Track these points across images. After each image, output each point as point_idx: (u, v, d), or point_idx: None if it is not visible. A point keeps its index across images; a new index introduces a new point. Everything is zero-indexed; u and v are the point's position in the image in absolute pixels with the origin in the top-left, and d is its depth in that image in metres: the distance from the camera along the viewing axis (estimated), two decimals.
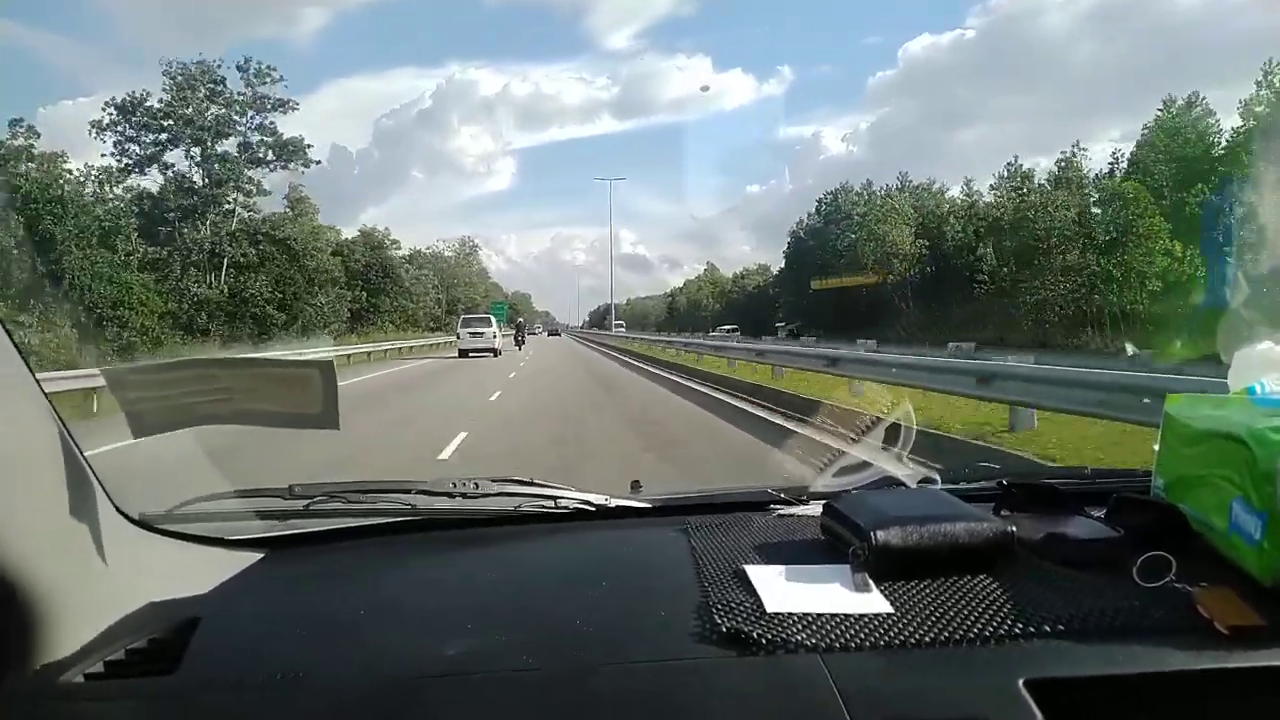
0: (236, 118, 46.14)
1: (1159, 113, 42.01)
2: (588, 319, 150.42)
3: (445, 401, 15.19)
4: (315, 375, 1.10)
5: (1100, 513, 1.13)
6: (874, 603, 0.92)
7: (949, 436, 7.92)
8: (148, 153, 43.29)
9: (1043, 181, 48.13)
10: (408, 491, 1.29)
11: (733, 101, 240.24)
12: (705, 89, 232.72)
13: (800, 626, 0.87)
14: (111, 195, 40.56)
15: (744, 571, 1.01)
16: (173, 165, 44.24)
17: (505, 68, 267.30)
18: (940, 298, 51.80)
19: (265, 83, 46.11)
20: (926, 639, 0.85)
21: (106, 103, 42.26)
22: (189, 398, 1.07)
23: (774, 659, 0.83)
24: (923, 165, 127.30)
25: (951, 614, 0.88)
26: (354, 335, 48.32)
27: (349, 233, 62.50)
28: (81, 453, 0.94)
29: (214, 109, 44.56)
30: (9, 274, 29.30)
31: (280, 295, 44.47)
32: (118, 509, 1.02)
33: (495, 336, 35.64)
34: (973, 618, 0.88)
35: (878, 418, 1.47)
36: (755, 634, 0.85)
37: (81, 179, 38.13)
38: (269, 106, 47.16)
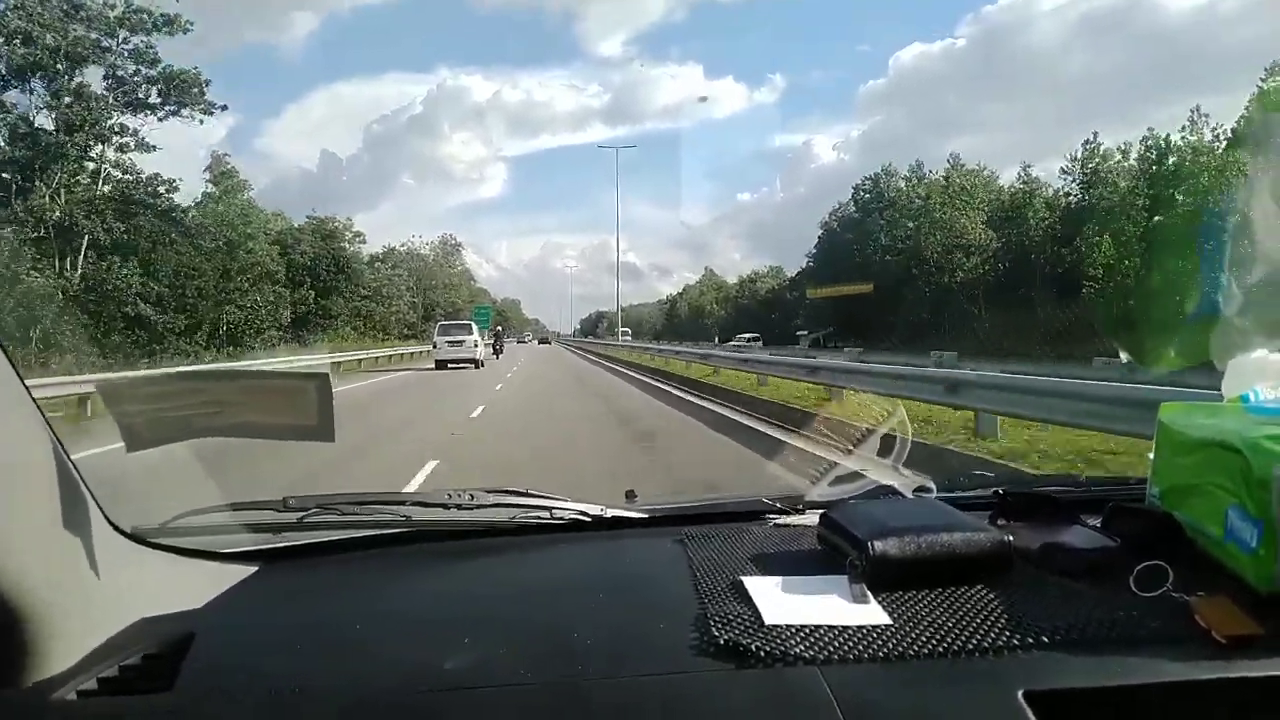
0: (102, 39, 30.83)
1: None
2: (579, 327, 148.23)
3: (414, 424, 12.54)
4: (310, 387, 1.10)
5: (1096, 521, 1.13)
6: (872, 614, 0.91)
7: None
8: None
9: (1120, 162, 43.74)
10: (402, 503, 1.29)
11: (724, 109, 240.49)
12: (703, 99, 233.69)
13: (798, 638, 0.86)
14: None
15: (741, 583, 1.01)
16: (8, 104, 29.90)
17: (496, 74, 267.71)
18: (1023, 299, 41.89)
19: None
20: (925, 651, 0.84)
21: None
22: (183, 411, 1.07)
23: (773, 671, 0.82)
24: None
25: (949, 625, 0.88)
26: (296, 344, 41.72)
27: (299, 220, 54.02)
28: (75, 466, 0.93)
29: (72, 27, 29.71)
30: None
31: (170, 290, 33.56)
32: (111, 523, 1.01)
33: (477, 345, 31.80)
34: (971, 629, 0.87)
35: (872, 427, 1.48)
36: (754, 646, 0.85)
37: None
38: (150, 25, 31.21)
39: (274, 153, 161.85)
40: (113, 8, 30.92)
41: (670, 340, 63.77)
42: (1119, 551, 1.01)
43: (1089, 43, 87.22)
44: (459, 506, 1.29)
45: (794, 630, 0.88)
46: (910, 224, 54.02)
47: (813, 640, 0.86)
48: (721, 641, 0.86)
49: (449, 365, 30.40)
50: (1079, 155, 46.76)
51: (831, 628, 0.88)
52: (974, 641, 0.85)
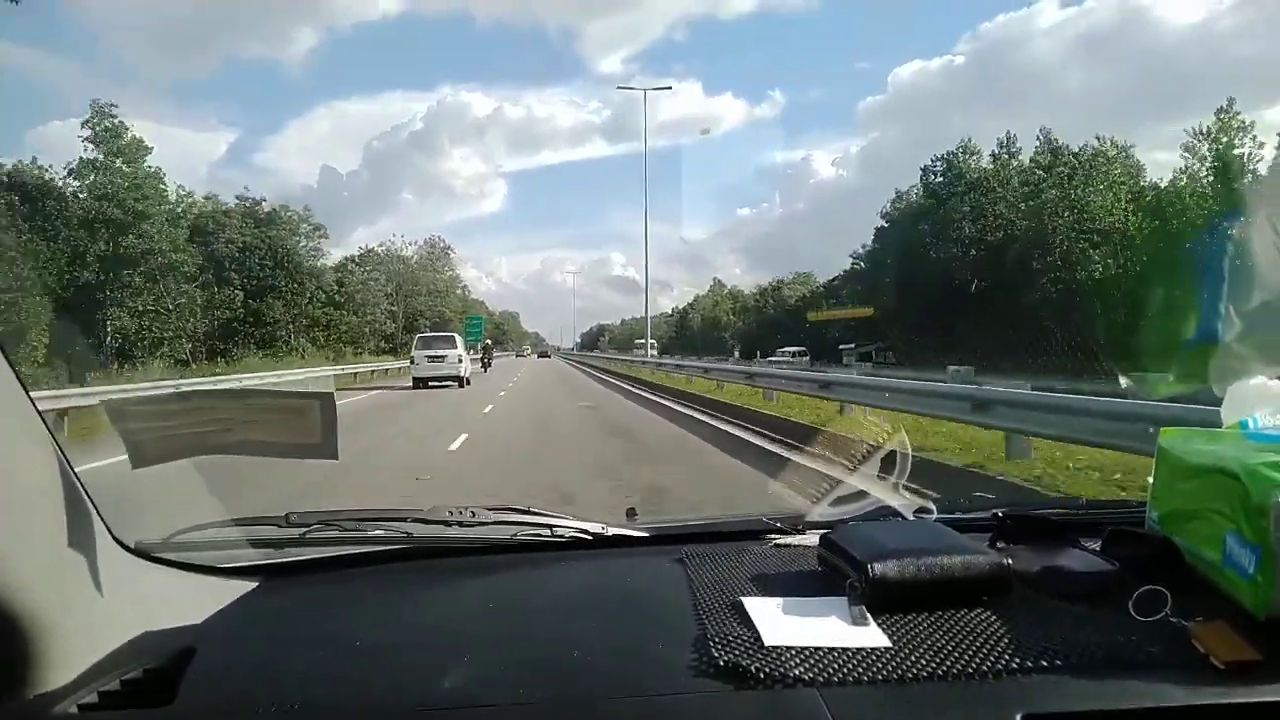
0: None
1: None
2: (579, 340, 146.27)
3: (370, 463, 9.08)
4: (314, 406, 1.11)
5: (1095, 544, 1.14)
6: (871, 636, 0.92)
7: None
8: None
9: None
10: (404, 520, 1.29)
11: (724, 126, 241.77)
12: (705, 132, 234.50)
13: (798, 660, 0.87)
14: None
15: (741, 603, 1.01)
16: None
17: (497, 91, 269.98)
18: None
19: None
20: (924, 674, 0.85)
21: None
22: (189, 428, 1.08)
23: (772, 693, 0.83)
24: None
25: (949, 648, 0.89)
26: (219, 360, 33.72)
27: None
28: (79, 480, 0.93)
29: None
30: None
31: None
32: (114, 537, 1.02)
33: (461, 361, 27.62)
34: (970, 652, 0.88)
35: (873, 446, 1.48)
36: (753, 667, 0.85)
37: None
38: None
39: (275, 169, 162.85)
40: None
41: (682, 355, 57.91)
42: (1118, 575, 1.02)
43: (1087, 60, 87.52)
44: (460, 523, 1.29)
45: (793, 652, 0.88)
46: (1013, 207, 43.36)
47: (812, 662, 0.86)
48: (721, 662, 0.87)
49: (429, 384, 26.65)
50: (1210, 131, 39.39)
51: (831, 650, 0.89)
52: (973, 664, 0.85)
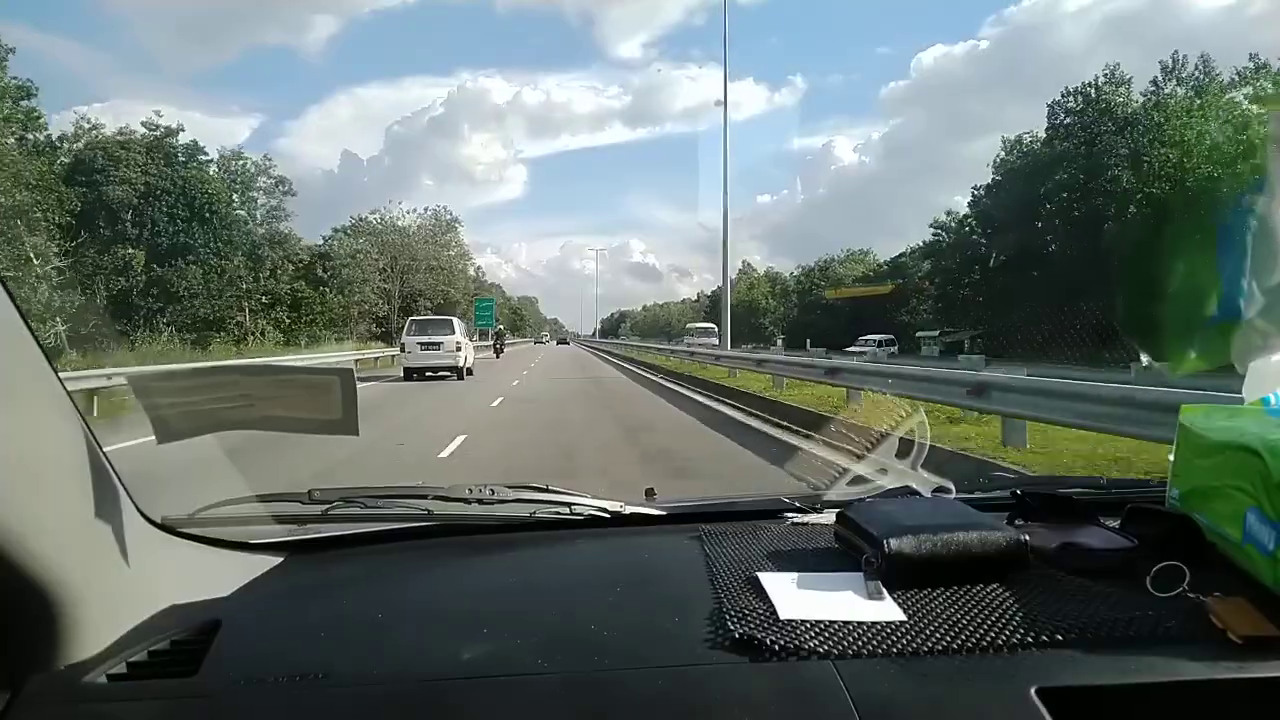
0: None
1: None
2: (599, 327, 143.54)
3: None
4: (335, 382, 1.12)
5: (1115, 523, 1.13)
6: (887, 610, 0.92)
7: None
8: None
9: None
10: (424, 497, 1.30)
11: (744, 112, 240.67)
12: (719, 103, 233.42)
13: (813, 633, 0.87)
14: None
15: (757, 578, 1.02)
16: None
17: (516, 76, 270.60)
18: None
19: None
20: (939, 647, 0.85)
21: None
22: (213, 403, 1.09)
23: (787, 665, 0.83)
24: (935, 175, 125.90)
25: (964, 622, 0.89)
26: (89, 348, 23.62)
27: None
28: (105, 456, 0.95)
29: None
30: None
31: None
32: (141, 512, 1.04)
33: (460, 348, 23.36)
34: (985, 626, 0.88)
35: (889, 429, 1.48)
36: (768, 640, 0.86)
37: None
38: None
39: (296, 154, 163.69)
40: None
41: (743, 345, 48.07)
42: (1136, 552, 1.01)
43: (1113, 44, 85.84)
44: (480, 501, 1.30)
45: (808, 625, 0.89)
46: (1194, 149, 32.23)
47: (827, 635, 0.87)
48: (736, 635, 0.87)
49: (425, 375, 22.99)
50: None
51: (846, 623, 0.89)
52: (988, 638, 0.86)
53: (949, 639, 0.86)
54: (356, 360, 28.52)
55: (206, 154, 41.22)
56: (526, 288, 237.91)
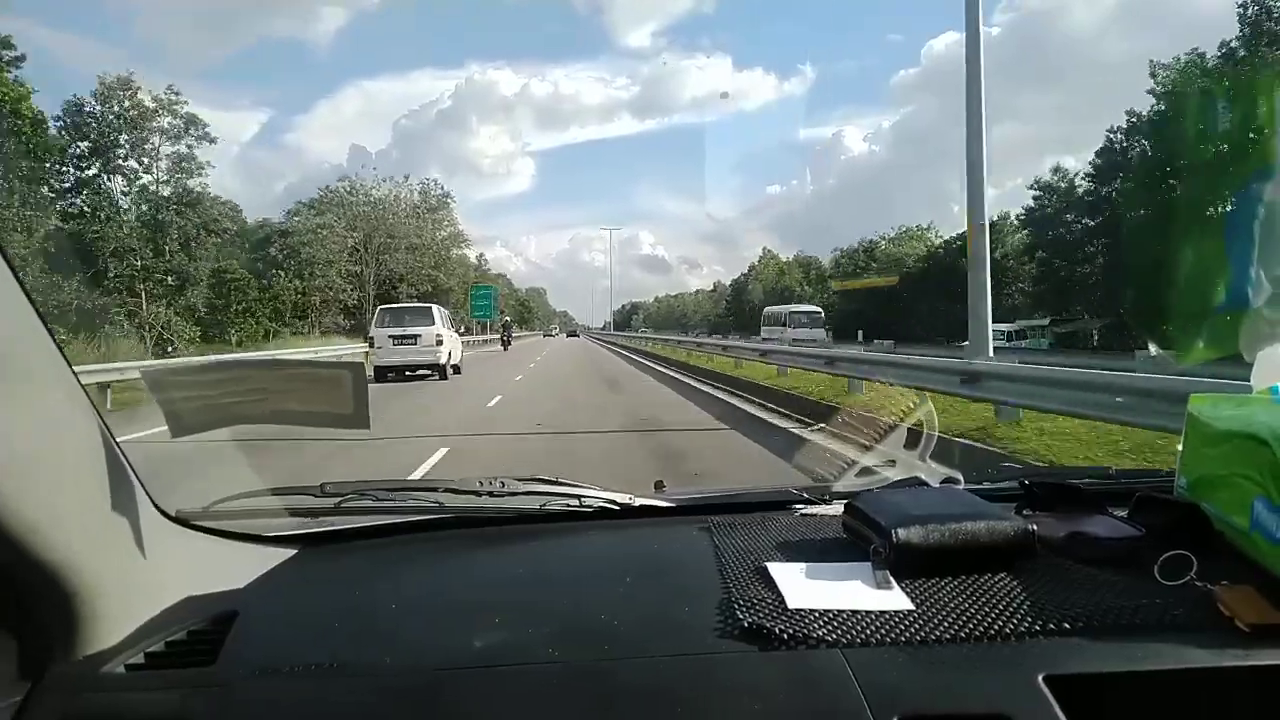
0: None
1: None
2: (611, 319, 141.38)
3: None
4: (346, 376, 1.13)
5: (1123, 512, 1.13)
6: (895, 600, 0.93)
7: None
8: None
9: None
10: (435, 490, 1.31)
11: (753, 101, 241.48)
12: (725, 95, 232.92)
13: (821, 622, 0.88)
14: None
15: (766, 569, 1.02)
16: None
17: (524, 67, 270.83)
18: None
19: None
20: (947, 635, 0.86)
21: None
22: (227, 398, 1.10)
23: (795, 654, 0.84)
24: (946, 163, 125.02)
25: (972, 611, 0.89)
26: None
27: None
28: (121, 449, 0.96)
29: None
30: None
31: None
32: (156, 506, 1.05)
33: (441, 342, 19.45)
34: (993, 615, 0.88)
35: (898, 420, 1.48)
36: (777, 629, 0.86)
37: None
38: None
39: (304, 147, 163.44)
40: None
41: (732, 335, 46.19)
42: (1144, 541, 1.02)
43: (1125, 29, 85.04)
44: (490, 494, 1.31)
45: (817, 614, 0.90)
46: None
47: (835, 624, 0.87)
48: (745, 624, 0.88)
49: (401, 375, 19.41)
50: None
51: (854, 612, 0.90)
52: (995, 626, 0.86)
53: (957, 627, 0.87)
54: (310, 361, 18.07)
55: (14, 49, 26.69)
56: (535, 281, 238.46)
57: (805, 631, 0.86)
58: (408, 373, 19.65)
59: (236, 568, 1.12)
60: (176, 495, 1.15)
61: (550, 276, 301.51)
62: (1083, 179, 43.52)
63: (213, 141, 36.37)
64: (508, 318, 49.35)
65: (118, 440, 0.96)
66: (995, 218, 48.14)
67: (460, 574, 1.16)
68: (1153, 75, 36.73)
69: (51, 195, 29.44)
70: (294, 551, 1.22)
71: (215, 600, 1.03)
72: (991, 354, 10.15)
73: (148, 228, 32.38)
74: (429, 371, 19.67)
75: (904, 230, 69.00)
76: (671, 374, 21.26)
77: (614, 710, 0.80)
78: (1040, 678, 0.78)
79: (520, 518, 1.31)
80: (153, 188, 33.74)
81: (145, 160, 34.05)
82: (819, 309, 50.68)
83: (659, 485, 1.50)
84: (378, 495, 1.29)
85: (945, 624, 0.87)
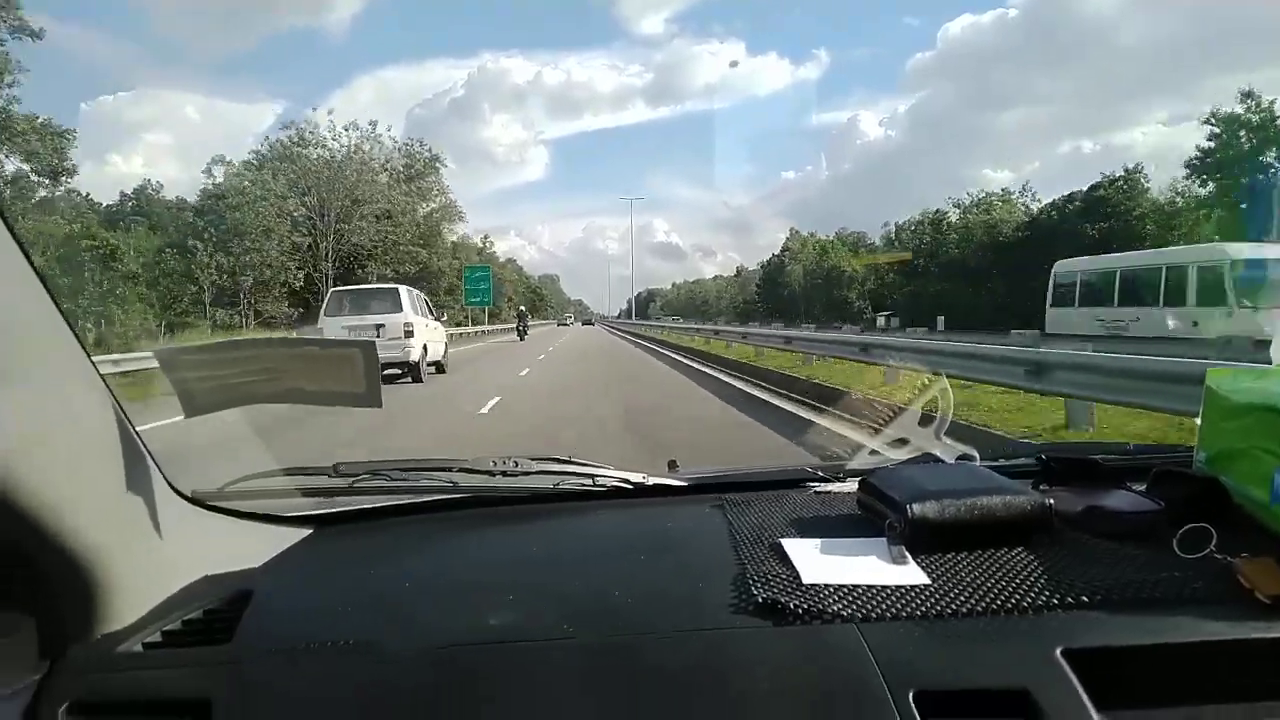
0: None
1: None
2: (628, 306, 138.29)
3: None
4: (357, 354, 1.13)
5: (1141, 487, 1.12)
6: (910, 574, 0.92)
7: None
8: None
9: None
10: (449, 469, 1.31)
11: (767, 87, 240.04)
12: (734, 64, 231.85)
13: (836, 597, 0.87)
14: None
15: (780, 545, 1.02)
16: None
17: (537, 56, 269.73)
18: None
19: None
20: (963, 610, 0.85)
21: None
22: (239, 377, 1.11)
23: (810, 629, 0.84)
24: (963, 148, 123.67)
25: (988, 585, 0.89)
26: None
27: None
28: (136, 432, 0.97)
29: None
30: None
31: None
32: (172, 486, 1.05)
33: (413, 334, 15.36)
34: (1010, 589, 0.88)
35: (913, 398, 1.47)
36: (792, 604, 0.86)
37: None
38: None
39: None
40: None
41: (775, 324, 31.13)
42: (1162, 515, 1.01)
43: (1149, 8, 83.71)
44: (504, 473, 1.31)
45: (832, 589, 0.89)
46: None
47: (851, 599, 0.87)
48: (760, 600, 0.88)
49: None
50: None
51: (870, 587, 0.89)
52: (1012, 600, 0.85)
53: (973, 601, 0.86)
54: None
55: None
56: (549, 269, 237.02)
57: (821, 606, 0.86)
58: None
59: (251, 548, 1.12)
60: (191, 477, 1.16)
61: (564, 265, 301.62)
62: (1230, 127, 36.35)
63: (39, 38, 26.08)
64: (523, 307, 46.66)
65: (134, 424, 0.97)
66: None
67: (474, 553, 1.17)
68: None
69: None
70: (308, 531, 1.23)
71: (231, 580, 1.03)
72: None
73: None
74: (398, 372, 14.88)
75: (985, 195, 57.31)
76: (729, 380, 14.41)
77: (630, 686, 0.80)
78: (1059, 651, 0.77)
79: (534, 497, 1.31)
80: None
81: None
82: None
83: (672, 465, 1.49)
84: (391, 475, 1.29)
85: (962, 598, 0.87)
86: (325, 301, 16.31)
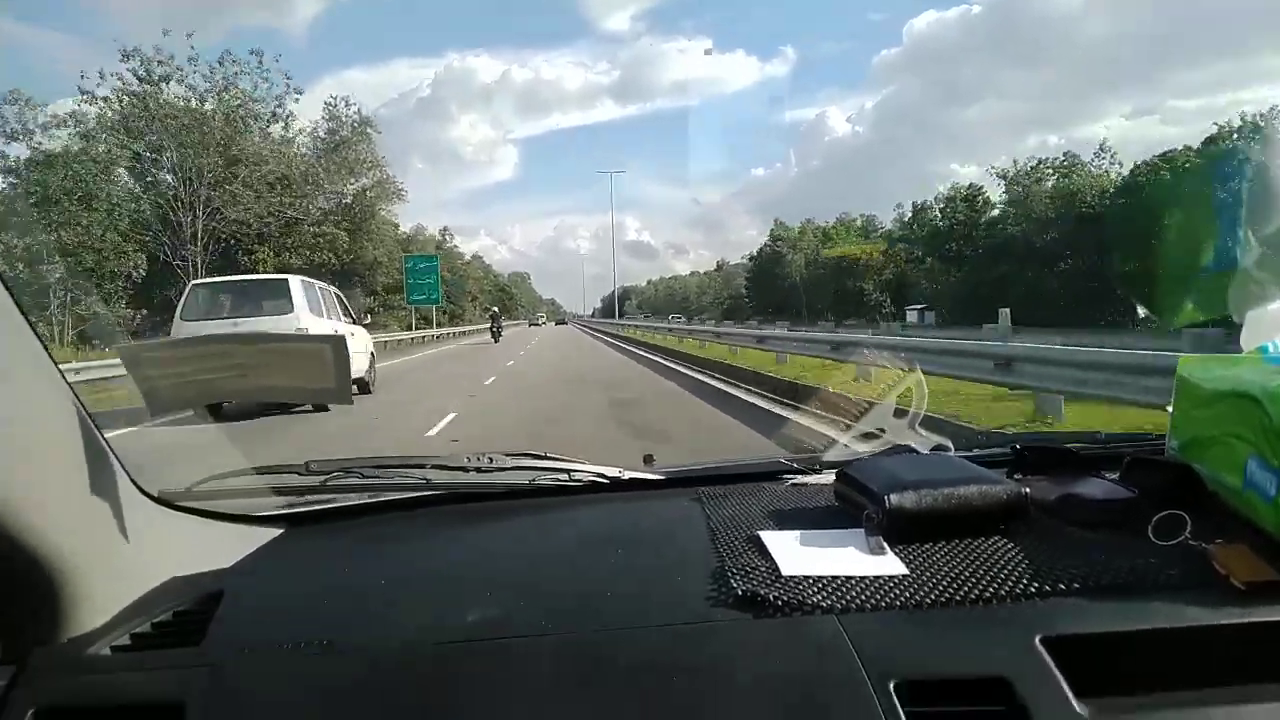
0: None
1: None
2: (600, 305, 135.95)
3: None
4: (326, 350, 1.11)
5: (1114, 475, 1.13)
6: (889, 565, 0.92)
7: None
8: None
9: None
10: (422, 466, 1.30)
11: (735, 84, 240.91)
12: (708, 52, 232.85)
13: (816, 588, 0.87)
14: None
15: (759, 537, 1.02)
16: None
17: (503, 54, 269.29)
18: None
19: None
20: (942, 599, 0.85)
21: None
22: (206, 374, 1.08)
23: (790, 620, 0.83)
24: (929, 143, 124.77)
25: (966, 574, 0.89)
26: None
27: None
28: (101, 433, 0.95)
29: None
30: None
31: None
32: (138, 487, 1.03)
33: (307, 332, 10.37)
34: (988, 578, 0.88)
35: (887, 389, 1.47)
36: (771, 596, 0.86)
37: None
38: None
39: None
40: None
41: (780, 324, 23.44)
42: (1137, 502, 1.01)
43: (1111, 4, 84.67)
44: (478, 469, 1.30)
45: (811, 581, 0.89)
46: None
47: (830, 590, 0.87)
48: (740, 592, 0.87)
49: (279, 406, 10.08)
50: None
51: (848, 578, 0.89)
52: (991, 589, 0.86)
53: (952, 590, 0.86)
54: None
55: None
56: (521, 269, 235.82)
57: (800, 598, 0.85)
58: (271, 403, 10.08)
59: (222, 548, 1.10)
60: (158, 477, 1.13)
61: (536, 264, 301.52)
62: None
63: None
64: (495, 308, 43.85)
65: (99, 424, 0.95)
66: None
67: (449, 550, 1.15)
68: None
69: None
70: (280, 531, 1.21)
71: (201, 580, 1.01)
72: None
73: None
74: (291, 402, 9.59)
75: (1039, 163, 49.10)
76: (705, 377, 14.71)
77: (609, 682, 0.79)
78: (1037, 639, 0.78)
79: (509, 493, 1.30)
80: None
81: None
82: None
83: (648, 459, 1.49)
84: (364, 472, 1.27)
85: (940, 588, 0.87)
86: (183, 299, 11.80)
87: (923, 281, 53.76)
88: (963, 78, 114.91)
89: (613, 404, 11.64)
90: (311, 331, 10.53)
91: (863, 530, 0.99)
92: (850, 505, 1.08)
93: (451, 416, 10.48)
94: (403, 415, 11.24)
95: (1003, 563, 0.91)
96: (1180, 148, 41.21)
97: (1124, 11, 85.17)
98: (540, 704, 0.77)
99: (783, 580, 0.89)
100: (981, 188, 52.70)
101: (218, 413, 7.70)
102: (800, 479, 1.32)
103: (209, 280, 14.26)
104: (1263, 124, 36.69)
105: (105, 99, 29.96)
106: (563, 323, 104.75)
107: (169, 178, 30.97)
